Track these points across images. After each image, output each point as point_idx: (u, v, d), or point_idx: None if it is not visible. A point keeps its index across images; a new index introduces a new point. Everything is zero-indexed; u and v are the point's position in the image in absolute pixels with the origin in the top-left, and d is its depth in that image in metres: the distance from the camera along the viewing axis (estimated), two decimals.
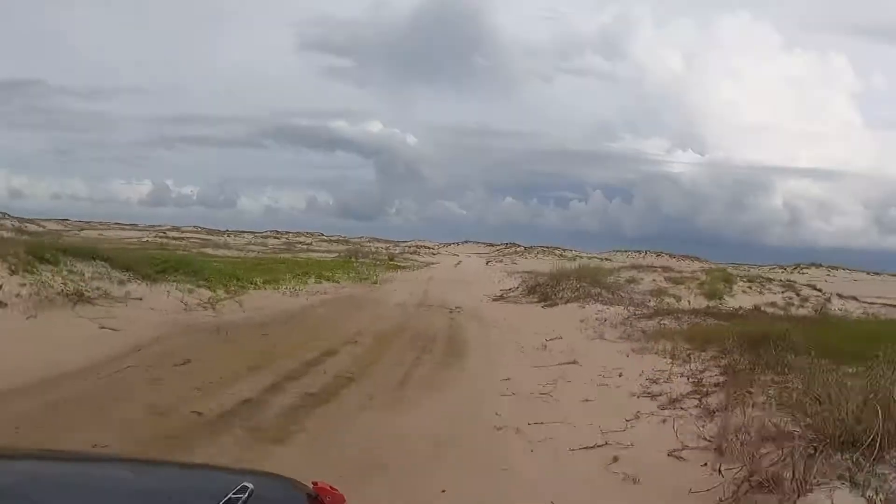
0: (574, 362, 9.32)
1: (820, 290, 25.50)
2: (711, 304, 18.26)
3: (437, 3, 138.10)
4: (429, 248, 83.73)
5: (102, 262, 14.29)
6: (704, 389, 6.74)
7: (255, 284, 17.20)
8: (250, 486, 1.50)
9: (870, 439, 3.86)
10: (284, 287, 17.99)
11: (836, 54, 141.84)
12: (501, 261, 48.83)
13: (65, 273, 12.83)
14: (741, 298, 20.38)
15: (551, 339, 11.44)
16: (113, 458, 2.14)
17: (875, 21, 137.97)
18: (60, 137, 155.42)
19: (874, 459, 3.82)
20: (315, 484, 1.64)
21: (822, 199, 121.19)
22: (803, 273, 65.93)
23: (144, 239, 58.81)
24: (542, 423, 6.09)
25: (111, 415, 6.13)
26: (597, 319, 14.21)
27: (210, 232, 75.80)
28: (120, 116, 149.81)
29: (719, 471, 4.22)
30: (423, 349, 10.67)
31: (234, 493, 1.46)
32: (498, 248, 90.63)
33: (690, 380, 7.41)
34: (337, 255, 39.40)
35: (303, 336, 11.27)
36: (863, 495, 3.51)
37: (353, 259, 34.94)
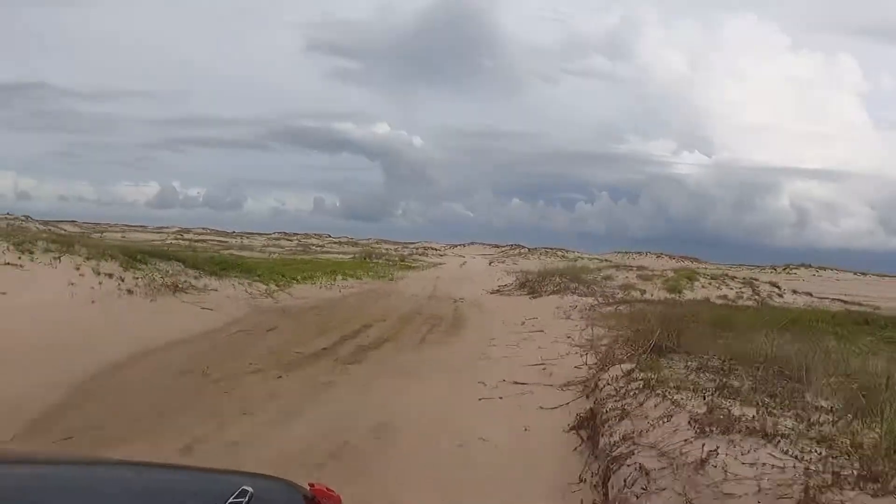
0: (541, 331, 13.32)
1: (778, 287, 29.32)
2: (671, 296, 22.09)
3: (443, 6, 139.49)
4: (436, 249, 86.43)
5: (178, 262, 18.34)
6: (615, 342, 10.71)
7: (296, 280, 21.22)
8: (250, 489, 1.54)
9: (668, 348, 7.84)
10: (319, 282, 22.00)
11: (842, 55, 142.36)
12: (504, 262, 52.73)
13: (155, 270, 16.86)
14: (699, 292, 24.18)
15: (529, 319, 15.42)
16: (111, 462, 2.16)
17: (881, 22, 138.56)
18: (67, 140, 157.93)
19: (667, 354, 7.78)
20: (312, 486, 1.69)
21: (828, 200, 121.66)
22: (792, 273, 69.25)
23: (168, 241, 62.10)
24: (508, 357, 10.09)
25: (248, 353, 10.16)
26: (570, 306, 18.15)
27: (219, 233, 77.16)
28: (126, 118, 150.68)
29: (588, 366, 8.23)
30: (434, 325, 14.70)
31: (234, 498, 1.50)
32: (503, 249, 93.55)
33: (611, 338, 11.37)
34: (352, 256, 43.40)
35: (345, 315, 15.30)
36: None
37: (367, 260, 38.97)
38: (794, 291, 29.27)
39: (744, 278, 30.46)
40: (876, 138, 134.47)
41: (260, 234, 79.65)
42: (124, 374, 8.29)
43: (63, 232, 52.82)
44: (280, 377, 8.44)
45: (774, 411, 4.73)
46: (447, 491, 4.65)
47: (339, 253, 54.23)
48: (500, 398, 7.43)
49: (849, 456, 3.69)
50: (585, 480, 4.75)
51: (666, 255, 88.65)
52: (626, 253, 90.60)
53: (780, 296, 27.08)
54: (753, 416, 4.49)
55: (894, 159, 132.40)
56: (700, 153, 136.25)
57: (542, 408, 6.91)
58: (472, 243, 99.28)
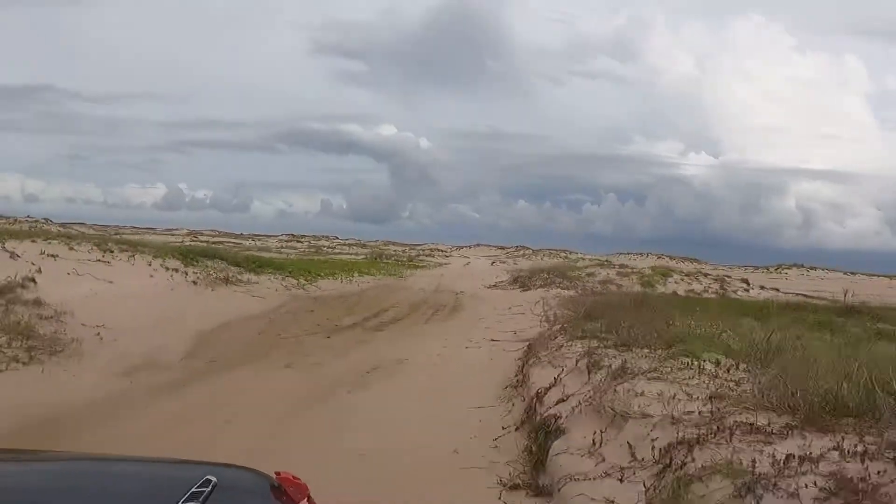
0: (521, 314, 16.96)
1: (747, 283, 32.83)
2: (644, 290, 25.70)
3: (449, 7, 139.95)
4: (442, 251, 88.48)
5: (221, 261, 22.07)
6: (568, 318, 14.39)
7: (321, 276, 24.93)
8: (213, 479, 1.54)
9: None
10: (339, 278, 25.71)
11: (848, 55, 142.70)
12: (506, 262, 56.64)
13: (207, 267, 20.58)
14: (671, 287, 27.73)
15: (515, 306, 19.07)
16: (77, 457, 2.13)
17: (887, 22, 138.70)
18: (74, 142, 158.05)
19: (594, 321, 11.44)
20: (278, 474, 1.69)
21: (834, 200, 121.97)
22: (783, 273, 72.30)
23: (185, 242, 64.99)
24: (491, 328, 13.78)
25: (300, 324, 13.86)
26: (552, 297, 21.80)
27: (230, 235, 77.34)
28: (133, 121, 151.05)
29: (549, 329, 11.95)
30: (437, 310, 18.39)
31: (197, 487, 1.50)
32: (508, 251, 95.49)
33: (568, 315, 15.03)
34: (363, 256, 47.22)
35: (367, 303, 19.02)
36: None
37: (378, 260, 42.72)
38: (762, 287, 32.75)
39: (717, 276, 33.99)
40: (882, 139, 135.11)
41: (268, 236, 79.44)
42: (221, 335, 11.99)
43: (92, 233, 57.05)
44: (328, 337, 12.17)
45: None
46: (437, 381, 8.36)
47: (349, 254, 57.58)
48: (479, 347, 11.13)
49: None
50: (517, 379, 8.44)
51: (667, 256, 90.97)
52: (628, 254, 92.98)
53: (746, 291, 30.59)
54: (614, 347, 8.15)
55: None
56: (707, 154, 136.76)
57: (505, 350, 10.60)
58: (478, 245, 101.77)
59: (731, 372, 5.91)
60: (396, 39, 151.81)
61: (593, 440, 4.79)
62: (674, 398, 4.99)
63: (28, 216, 54.50)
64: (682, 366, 6.18)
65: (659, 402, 4.97)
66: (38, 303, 10.43)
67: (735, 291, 29.22)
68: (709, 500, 3.35)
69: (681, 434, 4.19)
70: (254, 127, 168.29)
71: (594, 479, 4.26)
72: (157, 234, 76.25)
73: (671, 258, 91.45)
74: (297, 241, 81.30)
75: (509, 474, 5.09)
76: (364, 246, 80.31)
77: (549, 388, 6.83)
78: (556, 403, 6.18)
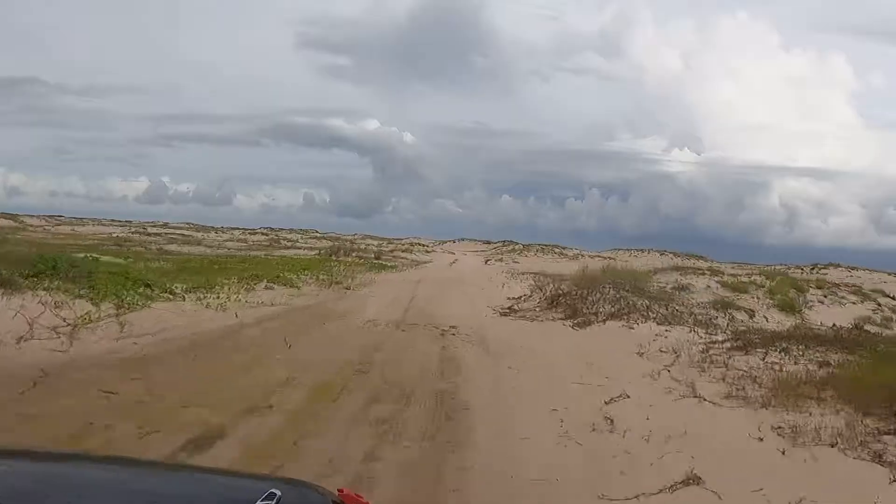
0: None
1: None
2: (793, 320, 13.51)
3: (436, 3, 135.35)
4: (423, 245, 79.41)
5: None
6: None
7: (172, 294, 12.31)
8: (278, 492, 1.50)
9: None
10: (218, 296, 13.11)
11: (833, 54, 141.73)
12: (501, 259, 43.83)
13: None
14: (823, 312, 15.66)
15: (611, 401, 6.57)
16: (144, 462, 2.16)
17: (872, 21, 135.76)
18: (58, 135, 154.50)
19: None
20: (340, 491, 1.65)
21: (819, 198, 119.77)
22: (822, 273, 61.56)
23: (115, 234, 53.88)
24: None
25: None
26: (661, 350, 9.40)
27: (198, 228, 70.89)
28: (117, 114, 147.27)
29: None
30: (383, 433, 5.77)
31: (262, 500, 1.46)
32: (495, 246, 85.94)
33: None
34: (318, 252, 34.40)
35: (187, 392, 6.40)
36: None
37: (332, 257, 30.06)
38: None
39: (847, 287, 21.84)
40: (867, 137, 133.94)
41: (241, 229, 74.86)
42: None
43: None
44: None
45: None
46: None
47: (309, 248, 45.19)
48: None
49: None
50: None
51: (671, 253, 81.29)
52: (628, 250, 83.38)
53: None
54: None
55: (885, 158, 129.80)
56: (691, 151, 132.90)
57: None
58: (462, 239, 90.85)
59: None
60: (382, 34, 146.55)
61: None
62: None
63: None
64: None
65: None
66: None
67: None
68: None
69: None
70: (239, 121, 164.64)
71: None
72: (102, 225, 65.77)
73: (675, 255, 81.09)
74: (263, 234, 72.87)
75: None
76: (337, 239, 72.34)
77: None
78: None
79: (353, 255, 33.66)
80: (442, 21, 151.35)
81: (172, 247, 39.82)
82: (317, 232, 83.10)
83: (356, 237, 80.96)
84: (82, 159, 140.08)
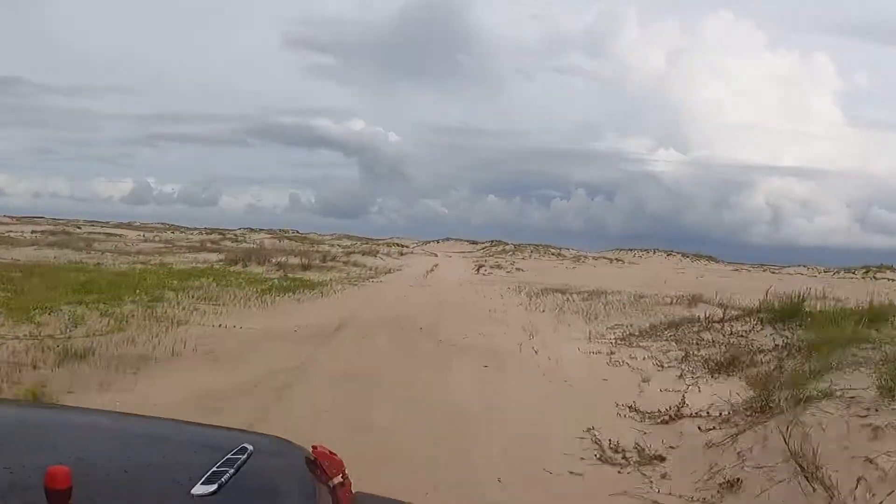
0: None
1: None
2: None
3: (421, 2, 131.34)
4: (402, 246, 69.62)
5: None
6: None
7: None
8: (250, 447, 1.51)
9: None
10: None
11: (819, 53, 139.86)
12: (498, 265, 32.63)
13: None
14: None
15: None
16: (122, 413, 2.14)
17: (858, 20, 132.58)
18: (43, 135, 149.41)
19: None
20: (314, 448, 1.59)
21: (804, 197, 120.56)
22: (877, 278, 52.23)
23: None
24: None
25: None
26: None
27: (169, 227, 68.34)
28: (103, 114, 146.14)
29: None
30: None
31: (233, 454, 1.46)
32: (483, 246, 76.08)
33: None
34: (223, 258, 23.02)
35: None
36: None
37: (236, 266, 19.15)
38: None
39: None
40: (852, 136, 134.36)
41: (210, 230, 70.21)
42: None
43: None
44: None
45: None
46: None
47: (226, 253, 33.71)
48: None
49: None
50: None
51: (678, 254, 73.65)
52: (631, 250, 75.64)
53: None
54: None
55: (870, 157, 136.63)
56: (677, 151, 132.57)
57: None
58: (448, 239, 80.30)
59: None
60: (368, 34, 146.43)
61: None
62: None
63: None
64: None
65: None
66: None
67: None
68: None
69: None
70: (225, 121, 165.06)
71: None
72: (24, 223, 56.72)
73: (684, 255, 72.49)
74: (172, 232, 63.33)
75: None
76: (303, 239, 66.18)
77: None
78: None
79: (281, 260, 22.61)
80: (427, 21, 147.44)
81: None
82: (297, 231, 76.89)
83: (333, 237, 73.40)
84: (67, 159, 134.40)
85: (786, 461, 3.79)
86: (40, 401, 3.22)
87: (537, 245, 79.82)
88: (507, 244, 78.15)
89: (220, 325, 9.32)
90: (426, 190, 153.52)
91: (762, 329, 7.88)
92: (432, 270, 27.24)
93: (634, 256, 63.57)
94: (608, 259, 56.95)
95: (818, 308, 8.06)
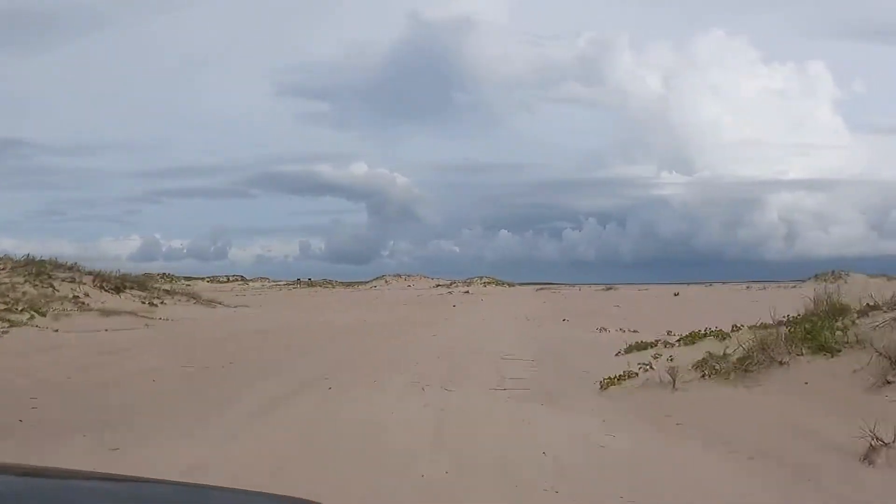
0: None
1: None
2: None
3: (410, 43, 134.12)
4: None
5: None
6: None
7: None
8: None
9: None
10: None
11: (814, 63, 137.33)
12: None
13: None
14: None
15: None
16: (129, 479, 1.91)
17: (847, 24, 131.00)
18: (48, 197, 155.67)
19: None
20: None
21: (817, 209, 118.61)
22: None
23: None
24: None
25: None
26: None
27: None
28: (105, 173, 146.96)
29: None
30: None
31: None
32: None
33: None
34: None
35: None
36: None
37: None
38: None
39: None
40: (856, 143, 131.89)
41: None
42: None
43: None
44: None
45: None
46: None
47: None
48: None
49: None
50: None
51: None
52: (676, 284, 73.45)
53: None
54: None
55: (878, 163, 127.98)
56: (683, 173, 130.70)
57: None
58: (470, 280, 77.96)
59: None
60: (360, 77, 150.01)
61: None
62: None
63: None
64: None
65: None
66: None
67: None
68: None
69: None
70: (225, 172, 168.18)
71: None
72: None
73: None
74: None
75: None
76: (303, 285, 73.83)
77: None
78: None
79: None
80: (419, 62, 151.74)
81: None
82: (299, 279, 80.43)
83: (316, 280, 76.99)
84: (74, 219, 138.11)
85: None
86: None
87: (533, 283, 77.91)
88: (491, 280, 76.98)
89: None
90: (437, 229, 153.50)
91: None
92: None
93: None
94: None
95: None
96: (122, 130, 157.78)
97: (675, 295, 48.19)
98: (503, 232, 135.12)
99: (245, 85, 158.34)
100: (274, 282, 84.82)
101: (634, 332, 17.02)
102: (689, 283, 78.57)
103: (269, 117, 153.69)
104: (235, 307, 29.73)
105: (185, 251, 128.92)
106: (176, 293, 29.70)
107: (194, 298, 29.35)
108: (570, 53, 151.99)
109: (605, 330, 18.96)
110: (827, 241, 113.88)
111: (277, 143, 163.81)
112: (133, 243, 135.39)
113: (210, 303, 29.19)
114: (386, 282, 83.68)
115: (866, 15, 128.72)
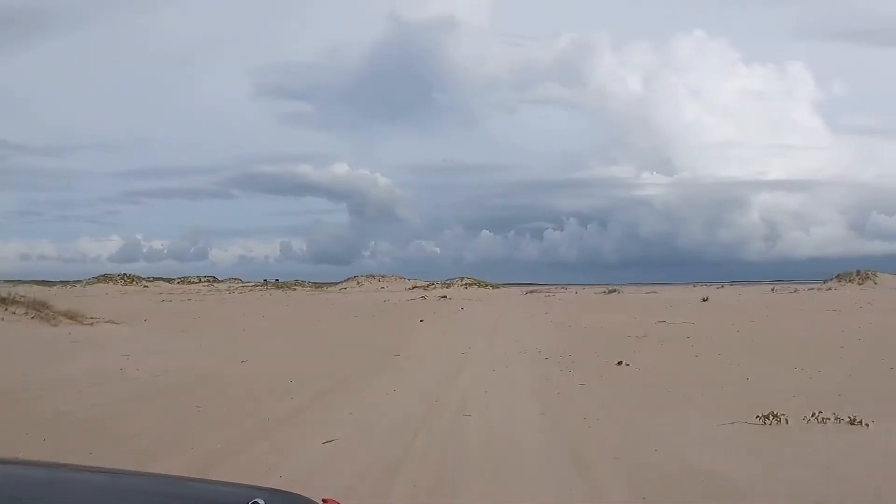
0: None
1: None
2: None
3: (390, 44, 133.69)
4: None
5: None
6: None
7: None
8: (261, 501, 1.51)
9: None
10: None
11: (794, 64, 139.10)
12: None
13: None
14: None
15: None
16: (132, 473, 2.09)
17: (827, 26, 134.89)
18: (26, 198, 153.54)
19: None
20: (325, 501, 1.64)
21: (797, 210, 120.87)
22: None
23: None
24: None
25: None
26: None
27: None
28: (84, 173, 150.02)
29: None
30: None
31: None
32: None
33: None
34: None
35: None
36: None
37: None
38: None
39: None
40: (836, 144, 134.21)
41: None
42: None
43: None
44: None
45: None
46: None
47: None
48: None
49: None
50: None
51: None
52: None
53: None
54: None
55: (856, 164, 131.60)
56: (663, 174, 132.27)
57: None
58: (449, 281, 71.36)
59: None
60: (340, 78, 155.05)
61: None
62: None
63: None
64: None
65: None
66: None
67: None
68: None
69: None
70: (207, 173, 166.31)
71: None
72: None
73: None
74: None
75: None
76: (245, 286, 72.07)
77: None
78: None
79: None
80: (399, 62, 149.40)
81: None
82: (277, 280, 76.33)
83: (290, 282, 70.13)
84: (52, 220, 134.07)
85: None
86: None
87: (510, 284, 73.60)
88: (468, 280, 70.85)
89: None
90: (418, 230, 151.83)
91: None
92: None
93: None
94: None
95: None
96: (101, 131, 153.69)
97: (704, 300, 39.05)
98: (484, 232, 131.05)
99: (225, 85, 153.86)
100: (243, 283, 78.47)
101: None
102: (706, 284, 73.05)
103: (250, 117, 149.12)
104: (92, 322, 19.80)
105: (165, 252, 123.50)
106: (15, 302, 20.06)
107: (37, 310, 19.78)
108: (550, 54, 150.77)
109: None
110: (808, 242, 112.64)
111: (258, 144, 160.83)
112: (113, 244, 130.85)
113: (56, 317, 19.36)
114: (358, 283, 75.81)
115: (847, 17, 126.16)
